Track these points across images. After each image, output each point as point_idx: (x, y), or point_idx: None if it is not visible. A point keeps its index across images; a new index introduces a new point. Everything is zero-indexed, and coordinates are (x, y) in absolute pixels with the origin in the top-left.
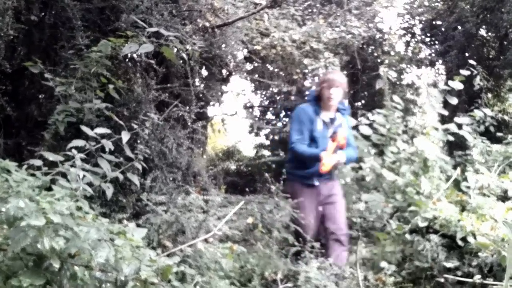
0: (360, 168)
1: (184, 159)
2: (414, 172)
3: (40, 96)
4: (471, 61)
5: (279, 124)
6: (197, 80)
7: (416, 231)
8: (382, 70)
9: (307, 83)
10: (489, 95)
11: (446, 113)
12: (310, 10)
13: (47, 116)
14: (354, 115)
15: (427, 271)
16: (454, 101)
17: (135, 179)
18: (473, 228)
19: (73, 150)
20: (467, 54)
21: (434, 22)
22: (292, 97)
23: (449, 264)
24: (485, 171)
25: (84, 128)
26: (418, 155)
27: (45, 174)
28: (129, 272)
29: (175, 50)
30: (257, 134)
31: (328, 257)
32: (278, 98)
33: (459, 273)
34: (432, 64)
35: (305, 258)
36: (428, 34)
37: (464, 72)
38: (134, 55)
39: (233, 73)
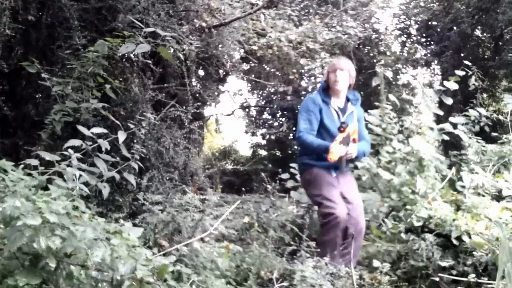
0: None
1: (180, 159)
2: (409, 171)
3: (37, 96)
4: (466, 62)
5: (276, 124)
6: (193, 80)
7: (411, 230)
8: (378, 68)
9: (303, 83)
10: (484, 95)
11: (441, 113)
12: (306, 11)
13: (44, 115)
14: None
15: (422, 270)
16: (449, 101)
17: (132, 179)
18: (468, 227)
19: (70, 150)
20: (462, 55)
21: (429, 23)
22: (289, 97)
23: (444, 263)
24: (480, 171)
25: (81, 128)
26: (414, 155)
27: (42, 174)
28: (125, 271)
29: (172, 50)
30: (253, 134)
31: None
32: (274, 98)
33: (454, 272)
34: (427, 64)
35: (301, 257)
36: (424, 35)
37: (459, 72)
38: (131, 55)
39: (230, 73)
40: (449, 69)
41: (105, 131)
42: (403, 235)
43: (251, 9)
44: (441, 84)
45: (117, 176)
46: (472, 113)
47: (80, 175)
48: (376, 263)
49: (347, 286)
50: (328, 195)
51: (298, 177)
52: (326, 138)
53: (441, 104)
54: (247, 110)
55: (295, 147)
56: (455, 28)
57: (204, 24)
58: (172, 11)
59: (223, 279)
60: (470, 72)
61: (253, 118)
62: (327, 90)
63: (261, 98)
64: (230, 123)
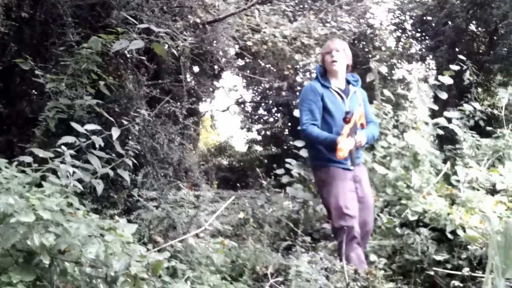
0: None
1: (175, 155)
2: (404, 166)
3: (31, 93)
4: (461, 56)
5: (271, 120)
6: (188, 76)
7: (406, 225)
8: (372, 63)
9: (298, 79)
10: (479, 89)
11: (436, 107)
12: (301, 6)
13: (38, 112)
14: None
15: (417, 264)
16: (444, 95)
17: (126, 175)
18: (463, 221)
19: (63, 147)
20: (457, 49)
21: (424, 18)
22: (284, 93)
23: (438, 257)
24: (474, 165)
25: (74, 125)
26: (409, 150)
27: (36, 171)
28: (119, 267)
29: (166, 46)
30: (249, 130)
31: (346, 255)
32: (269, 93)
33: (449, 266)
34: (422, 59)
35: (296, 252)
36: (419, 30)
37: (454, 67)
38: (125, 52)
39: (225, 69)
40: (444, 63)
41: (98, 127)
42: (398, 230)
43: (245, 5)
44: (436, 78)
45: (111, 173)
46: (467, 107)
47: (74, 172)
48: (372, 257)
49: (342, 280)
50: (344, 204)
51: (293, 172)
52: (332, 124)
53: (436, 99)
54: (242, 106)
55: (291, 142)
56: (449, 22)
57: (198, 20)
58: (166, 7)
59: (218, 274)
60: (465, 67)
61: (248, 114)
62: (324, 74)
63: (256, 93)
64: (225, 119)
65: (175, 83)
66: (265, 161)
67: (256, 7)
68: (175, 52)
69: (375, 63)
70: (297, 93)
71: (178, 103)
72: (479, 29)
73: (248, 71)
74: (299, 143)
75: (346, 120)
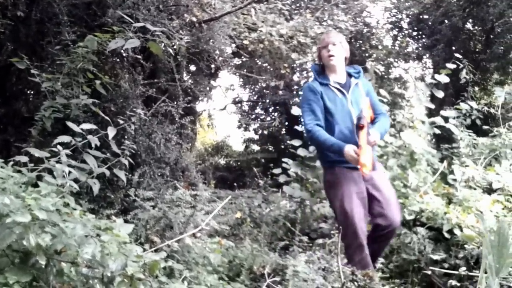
0: None
1: (172, 154)
2: (401, 165)
3: (27, 92)
4: (458, 55)
5: (268, 119)
6: (184, 75)
7: (403, 224)
8: (369, 63)
9: (295, 78)
10: (476, 88)
11: (433, 106)
12: (297, 5)
13: (34, 112)
14: None
15: (414, 263)
16: (440, 94)
17: (122, 175)
18: (459, 220)
19: (59, 146)
20: (454, 48)
21: (421, 16)
22: (280, 92)
23: (436, 257)
24: (471, 164)
25: (70, 124)
26: (405, 149)
27: (32, 171)
28: (116, 268)
29: (162, 45)
30: (246, 129)
31: (349, 258)
32: (266, 92)
33: (446, 265)
34: (419, 58)
35: (293, 252)
36: (415, 28)
37: (451, 66)
38: (121, 51)
39: (221, 68)
40: (441, 62)
41: (94, 127)
42: None
43: (241, 4)
44: (433, 77)
45: (108, 173)
46: (464, 106)
47: (70, 172)
48: None
49: (339, 280)
50: (350, 208)
51: (290, 171)
52: (333, 123)
53: (432, 98)
54: (239, 105)
55: (288, 142)
56: (446, 21)
57: (194, 19)
58: (162, 5)
59: (215, 274)
60: (461, 65)
61: (245, 113)
62: (323, 71)
63: (253, 92)
64: (222, 118)
65: (172, 82)
66: (262, 160)
67: (253, 6)
68: (171, 51)
69: (371, 63)
70: (294, 92)
71: (175, 102)
72: (476, 27)
73: (245, 70)
74: (296, 142)
75: (359, 126)
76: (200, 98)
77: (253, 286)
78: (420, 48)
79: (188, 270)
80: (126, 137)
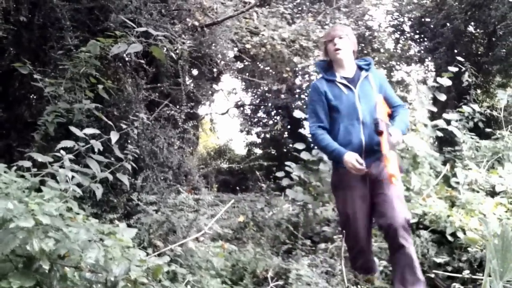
0: None
1: (175, 159)
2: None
3: (30, 97)
4: (460, 58)
5: (270, 122)
6: (187, 79)
7: None
8: None
9: (297, 81)
10: (478, 91)
11: (435, 109)
12: (299, 9)
13: (37, 117)
14: None
15: None
16: (443, 97)
17: (125, 179)
18: (462, 223)
19: (62, 151)
20: (456, 51)
21: (423, 19)
22: (283, 95)
23: (439, 260)
24: (474, 167)
25: (73, 129)
26: (408, 152)
27: (35, 176)
28: (119, 272)
29: (165, 49)
30: (248, 133)
31: (352, 263)
32: (268, 96)
33: (449, 268)
34: (421, 61)
35: (296, 255)
36: (417, 31)
37: (453, 69)
38: (124, 55)
39: (224, 72)
40: (443, 65)
41: (97, 131)
42: None
43: (243, 8)
44: (435, 80)
45: (111, 177)
46: (466, 109)
47: (73, 176)
48: None
49: (342, 284)
50: (352, 212)
51: (293, 175)
52: (339, 120)
53: (435, 101)
54: (241, 108)
55: (290, 145)
56: (448, 24)
57: (196, 23)
58: (165, 10)
59: (219, 278)
60: (464, 68)
61: (247, 117)
62: (330, 67)
63: (256, 96)
64: (225, 122)
65: (174, 86)
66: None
67: (255, 10)
68: (173, 55)
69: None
70: (296, 96)
71: (177, 107)
72: (478, 30)
73: (247, 74)
74: (299, 146)
75: (378, 132)
76: (202, 102)
77: None
78: (422, 51)
79: (191, 274)
80: (129, 141)
